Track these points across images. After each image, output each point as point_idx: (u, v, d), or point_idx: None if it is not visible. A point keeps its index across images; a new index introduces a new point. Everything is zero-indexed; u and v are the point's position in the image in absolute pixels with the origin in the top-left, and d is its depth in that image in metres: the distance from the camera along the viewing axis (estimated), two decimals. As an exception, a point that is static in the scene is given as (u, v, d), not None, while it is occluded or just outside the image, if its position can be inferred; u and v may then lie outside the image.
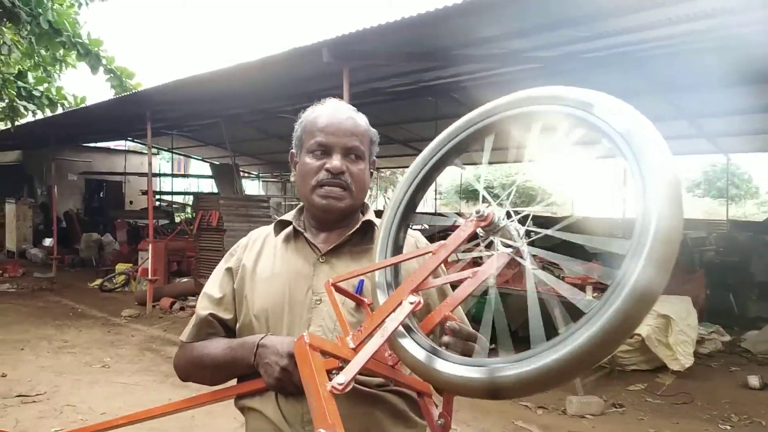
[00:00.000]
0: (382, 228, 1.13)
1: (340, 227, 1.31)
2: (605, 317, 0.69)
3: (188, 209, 16.79)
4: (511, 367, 0.76)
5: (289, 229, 1.32)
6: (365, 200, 1.38)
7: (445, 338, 1.01)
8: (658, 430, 4.07)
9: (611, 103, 0.82)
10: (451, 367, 0.85)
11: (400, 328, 0.93)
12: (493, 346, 0.99)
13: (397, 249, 1.09)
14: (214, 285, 1.34)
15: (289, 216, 1.36)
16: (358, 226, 1.29)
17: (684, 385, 4.92)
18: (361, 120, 1.32)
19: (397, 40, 5.23)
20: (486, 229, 0.87)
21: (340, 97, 5.24)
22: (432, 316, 1.00)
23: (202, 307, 1.32)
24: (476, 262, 0.94)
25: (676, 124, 8.50)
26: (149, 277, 8.25)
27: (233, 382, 1.30)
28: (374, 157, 1.36)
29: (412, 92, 7.61)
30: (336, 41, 4.92)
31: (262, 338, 1.17)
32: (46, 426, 3.98)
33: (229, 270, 1.34)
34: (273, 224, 1.37)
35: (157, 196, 15.53)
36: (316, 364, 0.89)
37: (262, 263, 1.31)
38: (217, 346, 1.26)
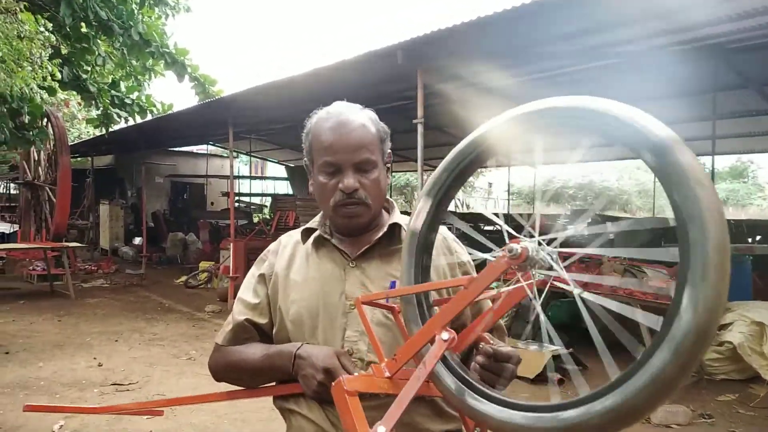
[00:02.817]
0: (412, 229, 1.05)
1: (365, 232, 1.31)
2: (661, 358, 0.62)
3: (265, 210, 17.38)
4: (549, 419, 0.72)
5: (317, 235, 1.32)
6: (387, 199, 1.35)
7: (479, 359, 0.98)
8: (752, 444, 3.84)
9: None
10: (481, 405, 0.83)
11: (444, 368, 0.91)
12: (570, 350, 0.96)
13: (427, 251, 1.04)
14: (249, 291, 1.35)
15: (314, 223, 1.36)
16: (385, 230, 1.28)
17: (781, 397, 4.60)
18: (369, 123, 1.26)
19: (471, 41, 5.20)
20: (520, 265, 0.81)
21: (414, 98, 5.30)
22: (466, 335, 0.97)
23: (238, 311, 1.33)
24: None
25: (769, 119, 7.96)
26: (230, 274, 8.62)
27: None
28: (388, 150, 1.31)
29: (487, 92, 7.52)
30: (410, 43, 4.95)
31: (299, 348, 1.18)
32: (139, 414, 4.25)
33: (262, 276, 1.35)
34: (300, 231, 1.37)
35: (237, 198, 16.17)
36: (356, 412, 0.88)
37: (294, 270, 1.32)
38: (254, 353, 1.27)
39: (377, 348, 1.04)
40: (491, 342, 1.02)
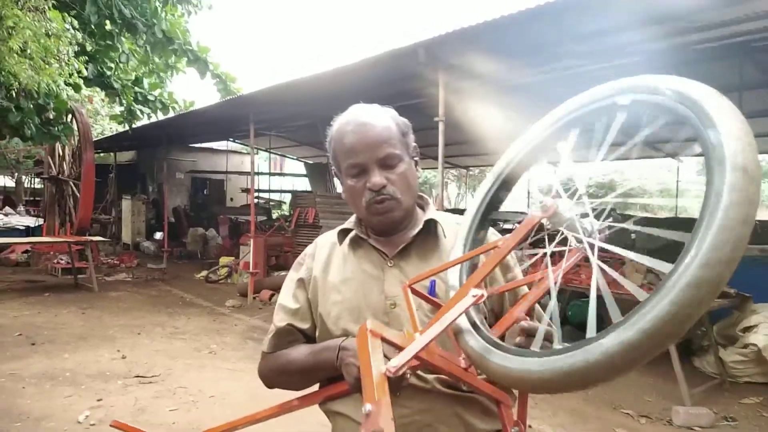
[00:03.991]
0: (463, 228, 1.14)
1: (401, 230, 1.31)
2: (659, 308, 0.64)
3: (284, 206, 17.48)
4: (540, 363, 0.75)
5: (353, 235, 1.33)
6: (421, 195, 1.36)
7: (518, 339, 1.00)
8: (777, 448, 3.78)
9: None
10: (502, 357, 0.85)
11: (468, 325, 0.94)
12: None
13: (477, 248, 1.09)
14: (288, 296, 1.37)
15: (349, 224, 1.37)
16: (420, 227, 1.29)
17: (807, 401, 4.52)
18: (387, 120, 1.27)
19: (490, 39, 5.17)
20: (552, 221, 0.85)
21: (436, 97, 5.29)
22: (504, 319, 0.99)
23: (280, 319, 1.35)
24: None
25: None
26: (250, 270, 8.70)
27: (316, 387, 1.33)
28: (413, 144, 1.33)
29: (508, 90, 7.48)
30: (431, 42, 4.95)
31: (343, 341, 1.19)
32: (162, 405, 4.31)
33: (301, 281, 1.36)
34: (337, 232, 1.38)
35: (256, 194, 16.29)
36: (374, 350, 0.88)
37: (332, 272, 1.32)
38: (300, 353, 1.29)
39: (414, 322, 1.03)
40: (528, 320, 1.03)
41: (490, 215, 1.12)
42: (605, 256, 0.81)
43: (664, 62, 5.63)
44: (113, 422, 1.46)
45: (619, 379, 0.75)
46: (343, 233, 1.36)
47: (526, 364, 0.78)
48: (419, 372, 1.17)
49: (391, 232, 1.31)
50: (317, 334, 1.32)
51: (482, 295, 0.90)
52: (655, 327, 0.64)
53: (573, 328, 5.63)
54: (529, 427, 1.24)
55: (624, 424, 4.10)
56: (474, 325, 0.95)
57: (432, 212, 1.34)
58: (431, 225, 1.30)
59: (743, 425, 4.13)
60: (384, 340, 0.91)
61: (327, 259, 1.35)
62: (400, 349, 0.91)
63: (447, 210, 11.77)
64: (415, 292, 1.11)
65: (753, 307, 5.06)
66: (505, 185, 1.11)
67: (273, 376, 1.36)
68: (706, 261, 0.63)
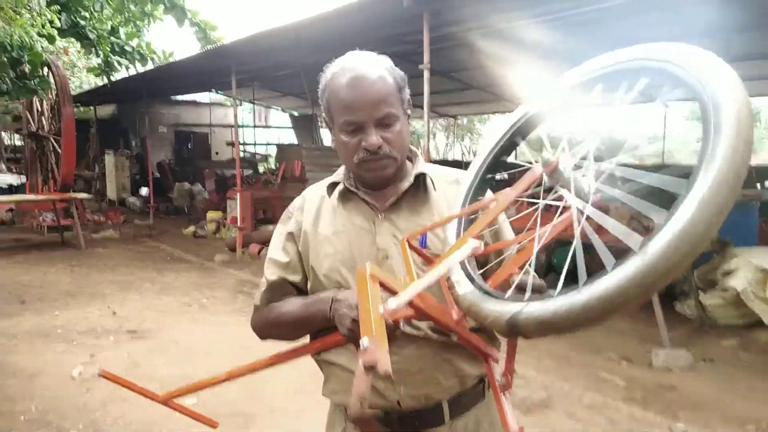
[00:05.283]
0: (464, 185, 1.16)
1: (391, 183, 1.31)
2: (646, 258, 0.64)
3: (270, 159, 17.32)
4: (533, 306, 0.76)
5: (342, 188, 1.31)
6: (410, 148, 1.34)
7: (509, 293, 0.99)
8: (751, 386, 3.92)
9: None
10: (482, 299, 0.88)
11: (464, 276, 0.96)
12: None
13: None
14: (278, 250, 1.36)
15: (338, 176, 1.35)
16: (411, 181, 1.28)
17: (782, 341, 4.67)
18: (386, 74, 1.22)
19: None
20: (551, 177, 0.87)
21: (420, 43, 5.17)
22: (500, 272, 0.99)
23: (271, 272, 1.35)
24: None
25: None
26: (238, 224, 8.68)
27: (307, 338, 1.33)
28: (407, 97, 1.28)
29: (493, 35, 7.33)
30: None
31: (337, 293, 1.19)
32: (155, 359, 4.37)
33: (290, 234, 1.35)
34: (326, 185, 1.36)
35: (241, 147, 16.09)
36: (373, 291, 0.89)
37: (322, 224, 1.32)
38: (293, 304, 1.29)
39: (410, 272, 1.05)
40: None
41: (492, 174, 1.14)
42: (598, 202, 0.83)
43: (652, 4, 5.53)
44: (102, 371, 1.47)
45: (602, 325, 0.75)
46: (332, 186, 1.34)
47: (527, 307, 0.79)
48: (412, 320, 1.19)
49: (382, 186, 1.30)
50: (309, 286, 1.32)
51: (479, 246, 0.92)
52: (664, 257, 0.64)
53: (557, 275, 5.72)
54: (515, 372, 1.26)
55: (606, 367, 4.23)
56: (469, 276, 0.97)
57: (422, 165, 1.33)
58: (421, 178, 1.30)
59: (721, 366, 4.28)
60: (382, 285, 0.91)
61: (316, 212, 1.34)
62: (394, 292, 0.91)
63: (434, 161, 11.71)
64: (411, 246, 1.11)
65: (733, 251, 5.16)
66: (510, 145, 1.13)
67: (266, 328, 1.37)
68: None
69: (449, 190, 1.31)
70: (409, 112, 1.29)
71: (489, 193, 1.19)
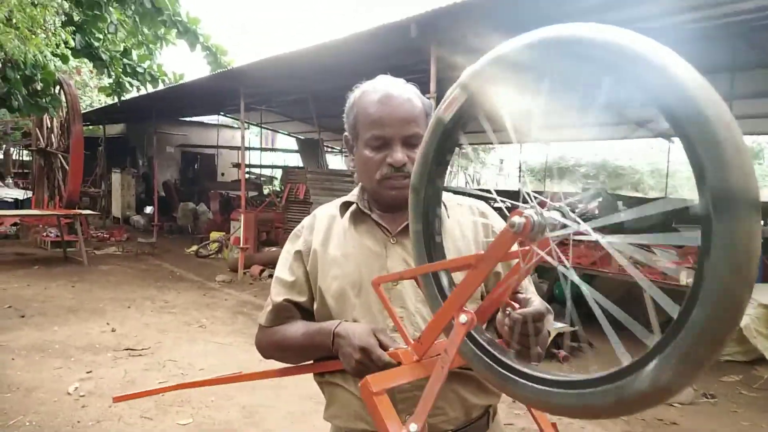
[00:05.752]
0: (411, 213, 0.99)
1: (405, 207, 1.26)
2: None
3: (275, 182, 17.40)
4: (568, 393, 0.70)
5: (354, 209, 1.30)
6: None
7: (508, 328, 0.97)
8: (753, 423, 3.87)
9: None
10: (528, 389, 0.77)
11: (472, 347, 0.88)
12: (576, 328, 0.94)
13: (434, 212, 0.97)
14: (285, 269, 1.34)
15: (352, 197, 1.33)
16: None
17: (785, 379, 4.63)
18: (415, 97, 1.25)
19: (485, 14, 5.12)
20: (529, 236, 0.73)
21: (427, 72, 5.25)
22: (488, 306, 0.95)
23: (276, 293, 1.32)
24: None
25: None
26: (241, 245, 8.70)
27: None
28: None
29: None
30: (424, 17, 4.90)
31: (337, 326, 1.17)
32: (151, 378, 4.35)
33: (298, 253, 1.32)
34: (338, 205, 1.35)
35: (247, 169, 16.19)
36: (384, 410, 0.88)
37: (332, 245, 1.29)
38: (296, 331, 1.27)
39: (401, 331, 1.04)
40: (516, 306, 0.99)
41: (439, 173, 0.93)
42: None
43: (660, 41, 5.61)
44: (114, 398, 1.48)
45: (601, 353, 0.73)
46: (345, 206, 1.33)
47: (552, 396, 0.73)
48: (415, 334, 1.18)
49: (397, 209, 1.28)
50: (315, 307, 1.30)
51: (473, 319, 0.84)
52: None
53: (560, 305, 5.69)
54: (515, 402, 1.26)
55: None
56: (477, 344, 0.87)
57: None
58: None
59: (722, 402, 4.23)
60: (389, 388, 0.94)
61: (326, 232, 1.32)
62: (400, 377, 0.94)
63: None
64: (379, 292, 1.08)
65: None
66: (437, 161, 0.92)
67: (269, 350, 1.36)
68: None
69: (463, 218, 1.30)
70: None
71: (478, 211, 1.16)
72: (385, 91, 1.23)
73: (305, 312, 1.32)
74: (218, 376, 1.45)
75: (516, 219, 0.73)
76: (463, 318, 0.84)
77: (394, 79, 1.29)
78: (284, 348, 1.31)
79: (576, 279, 0.72)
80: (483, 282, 0.87)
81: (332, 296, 1.25)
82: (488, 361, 0.84)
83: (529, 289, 1.21)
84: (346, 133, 1.31)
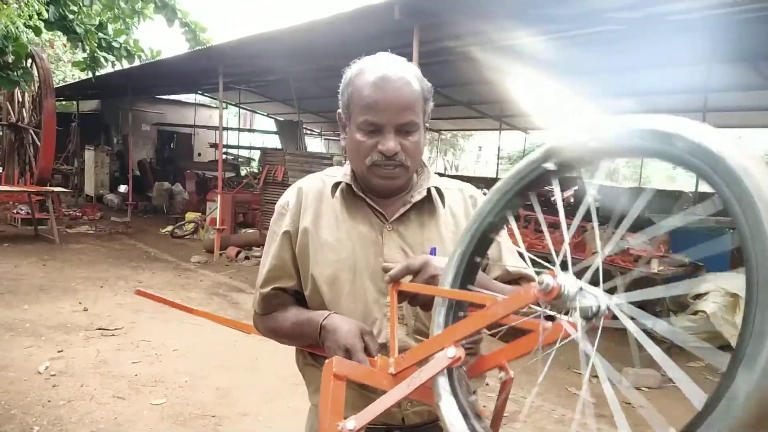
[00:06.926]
0: (452, 265, 0.89)
1: (397, 194, 1.26)
2: None
3: (253, 163, 17.24)
4: None
5: (347, 190, 1.25)
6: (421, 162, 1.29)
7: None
8: (717, 408, 4.00)
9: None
10: None
11: (445, 381, 0.83)
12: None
13: (480, 253, 0.88)
14: (270, 255, 1.28)
15: (346, 177, 1.25)
16: (424, 194, 1.23)
17: (748, 366, 4.78)
18: (414, 80, 1.18)
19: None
20: (551, 303, 0.67)
21: (409, 57, 5.22)
22: (483, 362, 0.92)
23: (263, 281, 1.28)
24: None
25: None
26: (217, 226, 8.62)
27: None
28: (430, 110, 1.23)
29: (483, 52, 7.43)
30: (408, -1, 4.87)
31: (326, 319, 1.15)
32: (124, 357, 4.31)
33: (286, 234, 1.25)
34: (325, 180, 1.29)
35: (225, 150, 15.99)
36: (334, 395, 0.85)
37: (323, 228, 1.24)
38: (286, 320, 1.26)
39: (393, 340, 1.01)
40: (511, 374, 0.95)
41: (480, 257, 0.88)
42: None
43: (642, 32, 5.67)
44: (137, 291, 1.43)
45: (573, 343, 0.68)
46: (335, 186, 1.26)
47: None
48: (404, 337, 1.18)
49: (387, 195, 1.25)
50: (307, 294, 1.25)
51: (459, 358, 0.80)
52: None
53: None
54: (486, 384, 1.29)
55: (576, 383, 4.28)
56: (450, 375, 0.83)
57: (433, 180, 1.28)
58: (432, 192, 1.26)
59: (688, 387, 4.35)
60: (351, 380, 0.91)
61: (316, 212, 1.25)
62: (366, 386, 0.90)
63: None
64: (402, 293, 1.03)
65: (704, 276, 5.28)
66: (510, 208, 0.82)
67: (265, 333, 1.36)
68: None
69: (455, 203, 1.29)
70: (428, 125, 1.24)
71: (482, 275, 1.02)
72: (382, 73, 1.15)
73: (297, 295, 1.29)
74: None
75: (547, 279, 0.66)
76: (451, 351, 0.80)
77: (394, 58, 1.21)
78: (277, 334, 1.31)
79: (599, 365, 0.65)
80: (487, 326, 0.82)
81: (325, 282, 1.21)
82: (461, 415, 0.80)
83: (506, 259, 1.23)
84: (339, 110, 1.25)
